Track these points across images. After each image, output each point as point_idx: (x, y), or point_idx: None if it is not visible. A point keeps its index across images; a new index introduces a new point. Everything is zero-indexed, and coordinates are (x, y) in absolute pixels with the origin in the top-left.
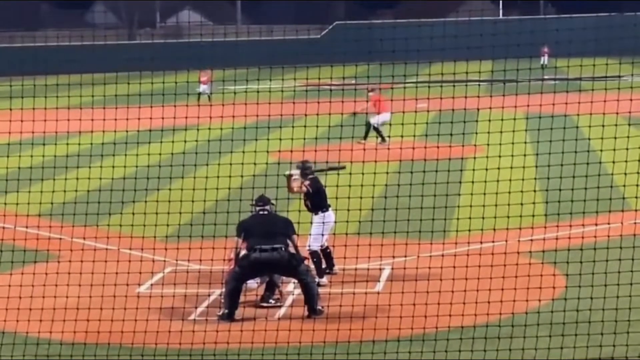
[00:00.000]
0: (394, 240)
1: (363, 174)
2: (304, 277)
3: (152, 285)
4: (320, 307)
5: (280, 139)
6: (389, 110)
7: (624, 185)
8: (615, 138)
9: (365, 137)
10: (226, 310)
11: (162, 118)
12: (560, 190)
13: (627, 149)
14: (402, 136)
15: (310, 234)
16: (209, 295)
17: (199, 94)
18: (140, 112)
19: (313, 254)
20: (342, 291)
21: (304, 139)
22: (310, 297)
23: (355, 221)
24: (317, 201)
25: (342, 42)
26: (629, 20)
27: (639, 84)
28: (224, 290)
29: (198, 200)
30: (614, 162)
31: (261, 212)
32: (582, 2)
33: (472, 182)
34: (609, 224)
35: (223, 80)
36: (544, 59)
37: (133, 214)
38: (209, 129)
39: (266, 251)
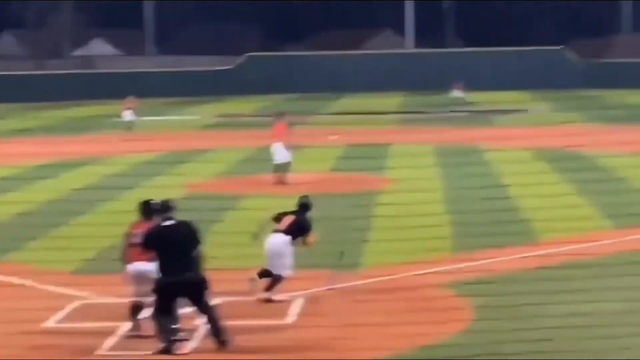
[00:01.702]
0: (306, 273)
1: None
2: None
3: (58, 320)
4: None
5: (191, 172)
6: (287, 139)
7: (529, 219)
8: (527, 173)
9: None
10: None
11: (75, 151)
12: (469, 223)
13: (535, 184)
14: (312, 169)
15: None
16: (117, 330)
17: (125, 122)
18: (51, 144)
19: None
20: (251, 323)
21: (216, 171)
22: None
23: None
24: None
25: (255, 73)
26: (537, 54)
27: (546, 118)
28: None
29: (103, 236)
30: (522, 195)
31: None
32: (492, 36)
33: (383, 215)
34: (522, 255)
35: (134, 111)
36: (457, 92)
37: (53, 243)
38: (121, 161)
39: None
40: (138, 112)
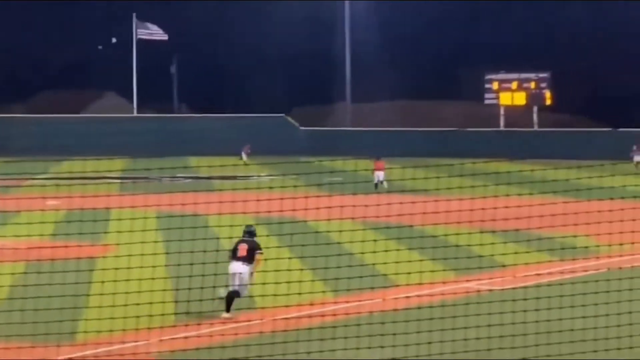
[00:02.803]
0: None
1: None
2: None
3: None
4: None
5: None
6: None
7: (255, 284)
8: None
9: None
10: None
11: None
12: (189, 289)
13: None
14: (29, 235)
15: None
16: None
17: None
18: None
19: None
20: None
21: None
22: None
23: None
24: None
25: None
26: (260, 121)
27: (267, 184)
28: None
29: None
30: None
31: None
32: (216, 102)
33: (102, 282)
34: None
35: None
36: (245, 156)
37: None
38: None
39: None
40: None
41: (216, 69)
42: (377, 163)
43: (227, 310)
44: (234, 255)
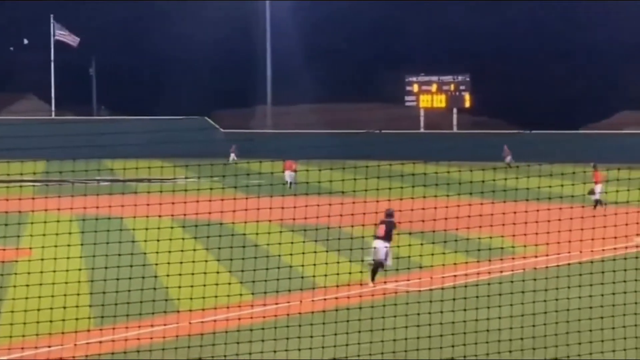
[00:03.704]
0: None
1: None
2: None
3: None
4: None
5: None
6: None
7: (179, 287)
8: (169, 240)
9: None
10: None
11: None
12: (117, 292)
13: (181, 250)
14: None
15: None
16: None
17: None
18: None
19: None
20: None
21: None
22: None
23: None
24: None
25: None
26: (180, 123)
27: (193, 187)
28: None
29: None
30: (168, 263)
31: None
32: (137, 104)
33: (14, 286)
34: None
35: None
36: (233, 156)
37: None
38: None
39: None
40: None
41: (136, 70)
42: (287, 163)
43: (372, 279)
44: (376, 235)
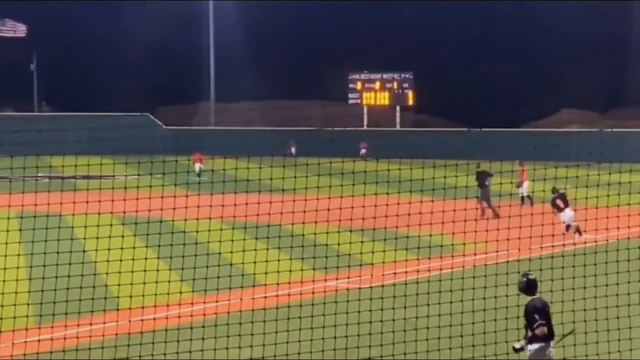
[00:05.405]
0: None
1: None
2: None
3: None
4: None
5: None
6: None
7: (118, 285)
8: (109, 237)
9: None
10: None
11: None
12: (55, 290)
13: (121, 248)
14: None
15: None
16: None
17: None
18: None
19: None
20: None
21: None
22: None
23: None
24: None
25: None
26: (122, 120)
27: (132, 184)
28: None
29: None
30: (108, 261)
31: None
32: (77, 101)
33: None
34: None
35: None
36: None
37: None
38: None
39: None
40: None
41: (78, 66)
42: (195, 157)
43: (580, 233)
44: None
